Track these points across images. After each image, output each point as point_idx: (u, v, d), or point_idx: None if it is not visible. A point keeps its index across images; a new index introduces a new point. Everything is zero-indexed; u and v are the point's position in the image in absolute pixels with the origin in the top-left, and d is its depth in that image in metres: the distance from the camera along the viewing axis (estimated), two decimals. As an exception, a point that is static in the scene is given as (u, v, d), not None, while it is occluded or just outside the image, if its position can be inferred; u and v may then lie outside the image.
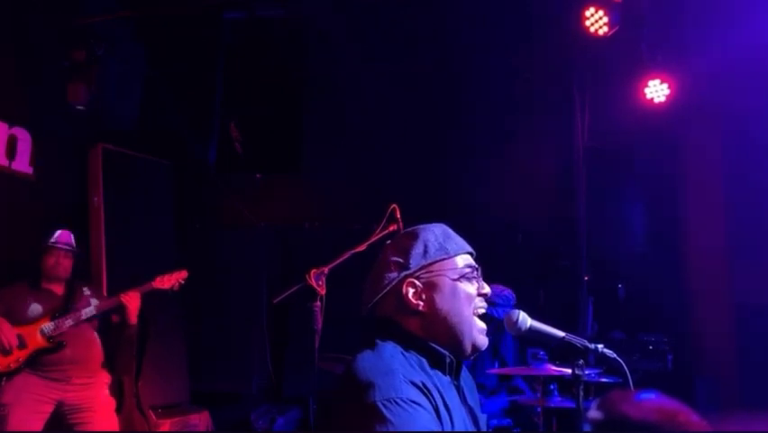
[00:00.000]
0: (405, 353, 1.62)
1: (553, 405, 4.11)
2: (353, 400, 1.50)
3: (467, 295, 1.70)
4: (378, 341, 1.65)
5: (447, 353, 1.67)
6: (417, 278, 1.68)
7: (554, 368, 3.90)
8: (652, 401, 1.28)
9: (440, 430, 1.50)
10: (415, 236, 1.74)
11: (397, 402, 1.45)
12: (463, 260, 1.73)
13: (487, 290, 1.74)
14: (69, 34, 5.34)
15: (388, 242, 1.82)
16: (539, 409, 4.10)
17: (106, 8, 5.47)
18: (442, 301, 1.67)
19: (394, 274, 1.69)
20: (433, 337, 1.67)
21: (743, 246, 5.00)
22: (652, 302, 5.29)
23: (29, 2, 5.21)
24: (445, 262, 1.70)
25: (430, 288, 1.68)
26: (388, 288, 1.69)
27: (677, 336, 5.09)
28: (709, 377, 4.94)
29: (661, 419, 1.22)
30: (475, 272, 1.73)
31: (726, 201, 5.15)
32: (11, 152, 4.99)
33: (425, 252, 1.70)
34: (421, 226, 1.78)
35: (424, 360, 1.64)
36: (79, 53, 5.23)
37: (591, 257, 5.52)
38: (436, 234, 1.75)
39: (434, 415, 1.51)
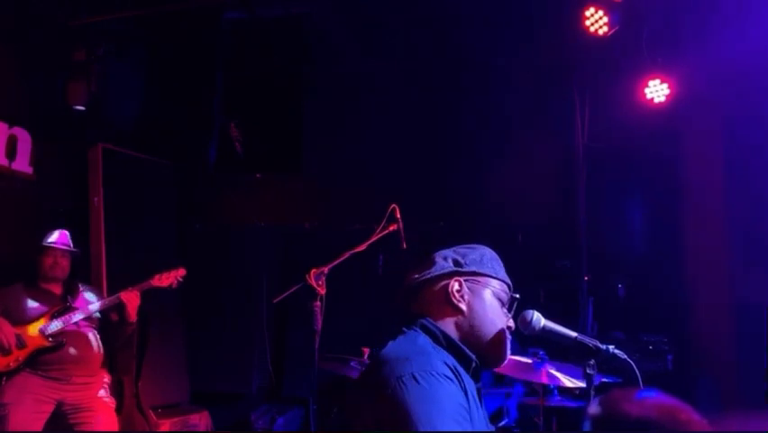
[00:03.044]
0: (434, 347, 1.66)
1: (552, 405, 4.11)
2: (388, 375, 1.51)
3: (501, 317, 1.78)
4: (406, 330, 1.70)
5: (474, 357, 1.71)
6: (466, 281, 1.76)
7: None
8: (652, 399, 1.28)
9: (467, 407, 1.53)
10: (473, 247, 1.85)
11: (432, 374, 1.49)
12: (503, 287, 1.82)
13: (512, 324, 1.81)
14: (69, 34, 5.35)
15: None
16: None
17: (106, 8, 5.47)
18: (482, 309, 1.75)
19: (449, 265, 1.78)
20: (463, 339, 1.71)
21: (743, 246, 5.00)
22: (652, 302, 5.29)
23: (29, 2, 5.21)
24: (493, 280, 1.80)
25: (474, 293, 1.76)
26: (437, 273, 1.76)
27: (677, 335, 5.09)
28: (709, 377, 4.94)
29: (661, 417, 1.22)
30: (511, 303, 1.83)
31: (726, 201, 5.15)
32: (11, 152, 4.99)
33: (481, 261, 1.80)
34: (477, 244, 1.89)
35: (451, 358, 1.66)
36: (79, 53, 5.24)
37: (591, 257, 5.51)
38: (493, 254, 1.86)
39: (464, 394, 1.55)
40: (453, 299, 1.73)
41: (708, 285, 5.17)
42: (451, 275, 1.75)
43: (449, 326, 1.72)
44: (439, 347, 1.66)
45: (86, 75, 5.22)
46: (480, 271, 1.78)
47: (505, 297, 1.80)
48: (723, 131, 5.19)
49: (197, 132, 6.30)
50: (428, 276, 1.76)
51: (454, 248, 1.85)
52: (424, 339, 1.66)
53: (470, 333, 1.72)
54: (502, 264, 1.86)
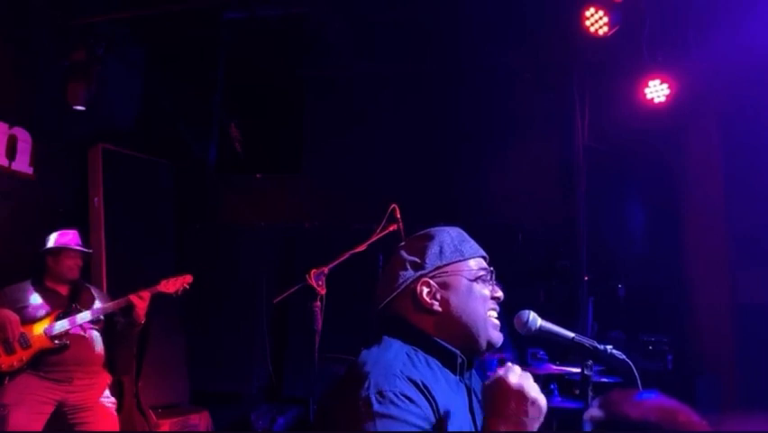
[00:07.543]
0: (412, 351, 1.62)
1: (552, 405, 4.11)
2: (349, 392, 1.50)
3: (482, 295, 1.71)
4: (385, 337, 1.65)
5: (458, 352, 1.67)
6: (432, 278, 1.69)
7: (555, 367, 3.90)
8: (652, 401, 1.28)
9: (430, 428, 1.49)
10: (430, 237, 1.76)
11: (389, 398, 1.45)
12: (477, 263, 1.74)
13: (500, 294, 1.75)
14: (69, 34, 5.35)
15: (402, 242, 1.82)
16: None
17: (106, 8, 5.47)
18: (457, 300, 1.68)
19: (409, 273, 1.71)
20: (446, 336, 1.67)
21: (743, 246, 5.00)
22: (652, 302, 5.29)
23: (29, 2, 5.21)
24: (460, 263, 1.72)
25: (445, 288, 1.69)
26: (402, 286, 1.70)
27: (677, 335, 5.09)
28: (709, 377, 4.94)
29: (661, 419, 1.23)
30: (489, 275, 1.74)
31: (727, 201, 5.14)
32: (11, 152, 4.99)
33: (441, 252, 1.72)
34: (436, 228, 1.79)
35: (432, 359, 1.63)
36: (79, 53, 5.23)
37: (591, 257, 5.51)
38: (452, 236, 1.76)
39: (430, 412, 1.50)
40: (425, 303, 1.67)
41: (708, 285, 5.16)
42: (416, 280, 1.69)
43: (429, 327, 1.67)
44: (417, 350, 1.62)
45: (86, 75, 5.21)
46: (443, 262, 1.70)
47: (483, 272, 1.72)
48: (723, 131, 5.19)
49: (197, 132, 6.31)
50: (395, 294, 1.70)
51: (409, 243, 1.77)
52: (399, 347, 1.61)
53: (454, 328, 1.66)
54: (467, 238, 1.77)
